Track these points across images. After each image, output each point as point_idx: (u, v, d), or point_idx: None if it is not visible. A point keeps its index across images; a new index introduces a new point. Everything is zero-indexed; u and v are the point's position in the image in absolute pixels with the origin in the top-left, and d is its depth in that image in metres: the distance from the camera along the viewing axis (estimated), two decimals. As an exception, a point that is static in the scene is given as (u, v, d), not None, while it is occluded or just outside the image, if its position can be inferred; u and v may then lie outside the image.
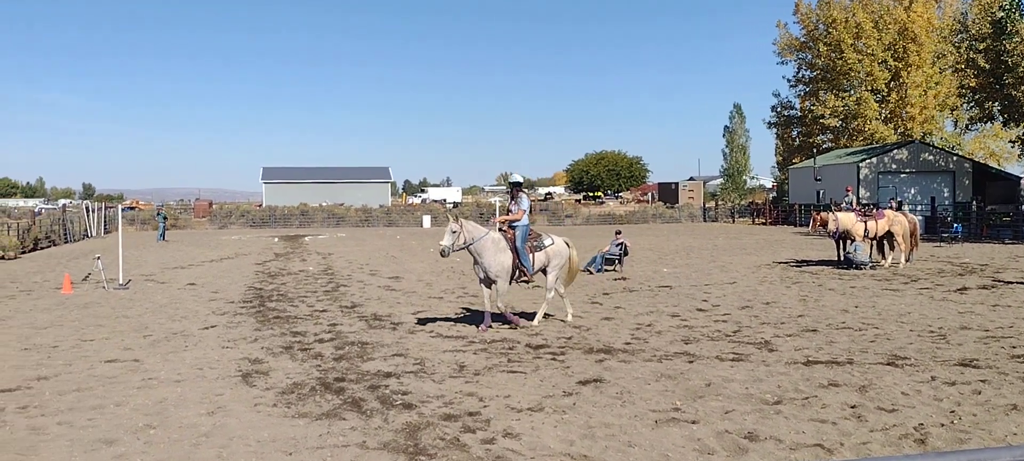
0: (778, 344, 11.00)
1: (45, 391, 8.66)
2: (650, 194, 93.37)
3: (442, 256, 12.17)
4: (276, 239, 42.21)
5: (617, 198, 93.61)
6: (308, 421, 7.45)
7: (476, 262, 12.43)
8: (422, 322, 13.16)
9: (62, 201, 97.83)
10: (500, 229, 12.62)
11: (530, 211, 12.89)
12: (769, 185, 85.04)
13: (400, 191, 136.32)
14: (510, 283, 12.57)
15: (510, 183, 13.12)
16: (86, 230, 45.98)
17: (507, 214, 12.87)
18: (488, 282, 12.40)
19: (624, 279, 19.78)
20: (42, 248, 34.50)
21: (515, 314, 12.80)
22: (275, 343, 11.40)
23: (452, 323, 13.07)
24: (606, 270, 21.62)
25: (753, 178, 78.78)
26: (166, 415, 7.69)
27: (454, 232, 11.97)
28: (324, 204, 68.94)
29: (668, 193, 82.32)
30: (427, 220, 61.40)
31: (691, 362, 9.88)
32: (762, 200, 68.89)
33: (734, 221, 63.05)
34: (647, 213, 66.50)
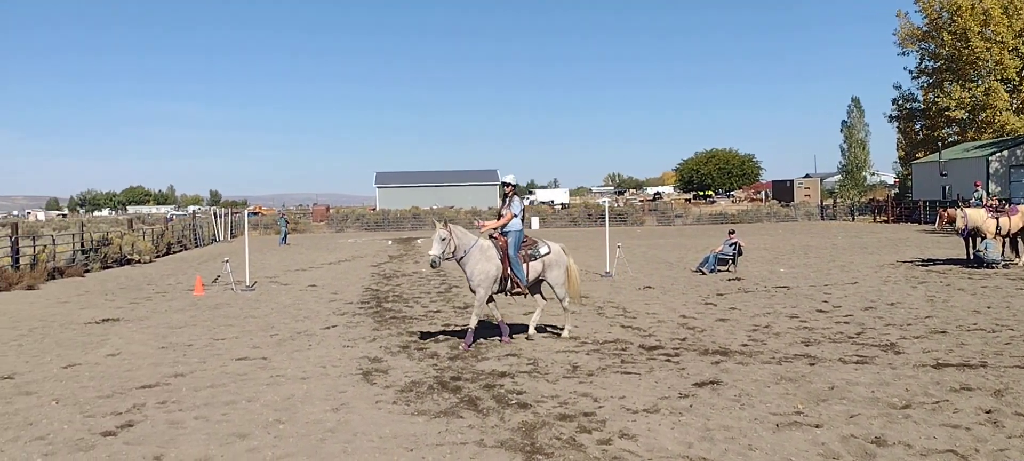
0: (905, 346, 10.55)
1: (182, 387, 9.18)
2: (764, 192, 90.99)
3: (432, 266, 10.97)
4: (390, 241, 43.32)
5: (729, 197, 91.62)
6: (427, 418, 7.64)
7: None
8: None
9: (191, 208, 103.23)
10: (491, 236, 11.52)
11: (523, 217, 11.74)
12: (891, 181, 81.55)
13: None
14: (506, 295, 11.63)
15: (502, 183, 11.91)
16: (214, 235, 48.38)
17: (498, 218, 11.69)
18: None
19: (738, 279, 19.37)
20: (174, 252, 36.50)
21: (505, 325, 11.76)
22: (392, 342, 11.72)
23: (563, 324, 13.10)
24: (719, 270, 21.23)
25: (873, 174, 75.55)
26: (294, 411, 8.03)
27: (443, 239, 10.86)
28: (434, 207, 70.28)
29: (783, 191, 80.00)
30: (536, 222, 61.73)
31: (812, 364, 9.60)
32: (883, 197, 66.21)
33: (854, 219, 60.77)
34: (761, 212, 64.88)
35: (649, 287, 18.31)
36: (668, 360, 10.05)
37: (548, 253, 11.71)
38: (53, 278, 22.64)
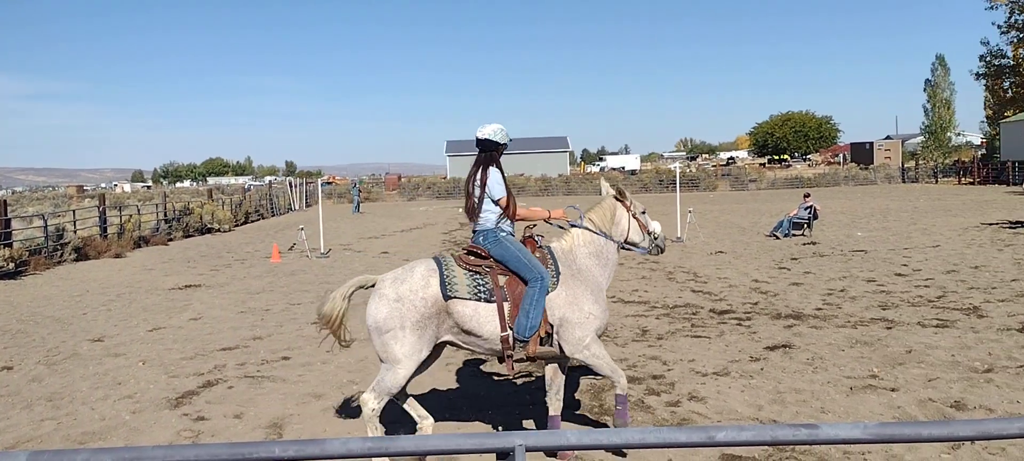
0: (988, 310, 10.19)
1: (260, 350, 9.48)
2: (841, 155, 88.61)
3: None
4: (460, 210, 43.62)
5: (805, 160, 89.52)
6: (497, 380, 7.72)
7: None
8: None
9: (268, 178, 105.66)
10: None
11: None
12: (977, 142, 78.42)
13: (578, 160, 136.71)
14: None
15: None
16: (289, 204, 49.48)
17: None
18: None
19: (814, 243, 18.96)
20: (252, 221, 37.47)
21: None
22: (463, 307, 11.84)
23: (633, 289, 13.06)
24: (794, 234, 20.83)
25: (958, 135, 72.65)
26: (366, 372, 8.21)
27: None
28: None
29: (862, 153, 77.82)
30: (606, 188, 61.33)
31: (889, 328, 9.37)
32: (969, 158, 63.84)
33: (937, 182, 58.70)
34: (838, 175, 63.19)
35: (721, 252, 18.06)
36: (739, 324, 9.93)
37: None
38: (139, 246, 23.54)
